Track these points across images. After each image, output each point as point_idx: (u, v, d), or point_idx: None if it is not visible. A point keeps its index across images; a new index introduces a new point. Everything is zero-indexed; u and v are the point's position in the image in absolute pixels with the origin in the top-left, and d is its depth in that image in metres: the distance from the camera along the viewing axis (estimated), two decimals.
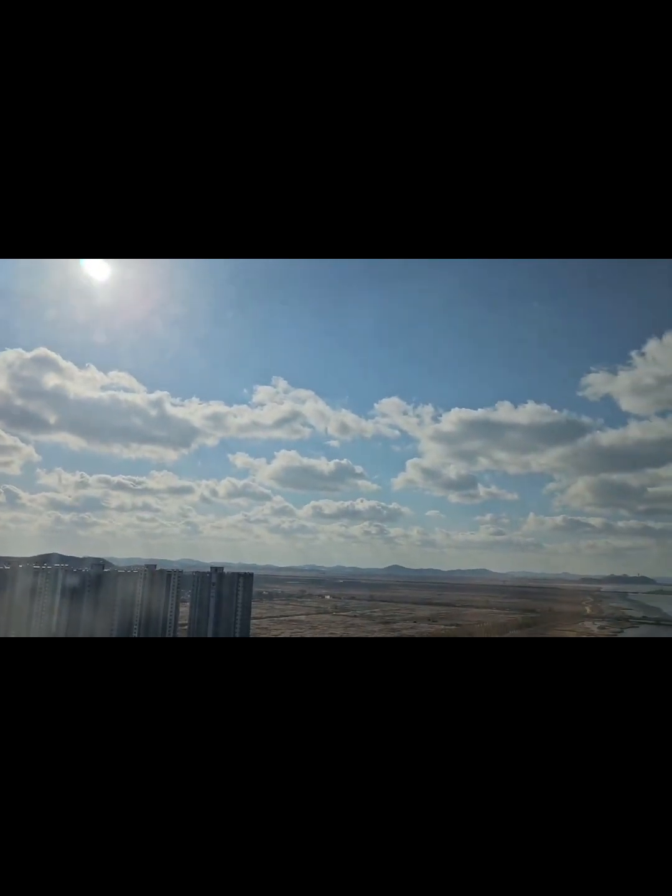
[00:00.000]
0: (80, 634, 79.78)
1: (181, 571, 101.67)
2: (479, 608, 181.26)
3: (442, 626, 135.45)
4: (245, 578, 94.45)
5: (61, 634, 78.17)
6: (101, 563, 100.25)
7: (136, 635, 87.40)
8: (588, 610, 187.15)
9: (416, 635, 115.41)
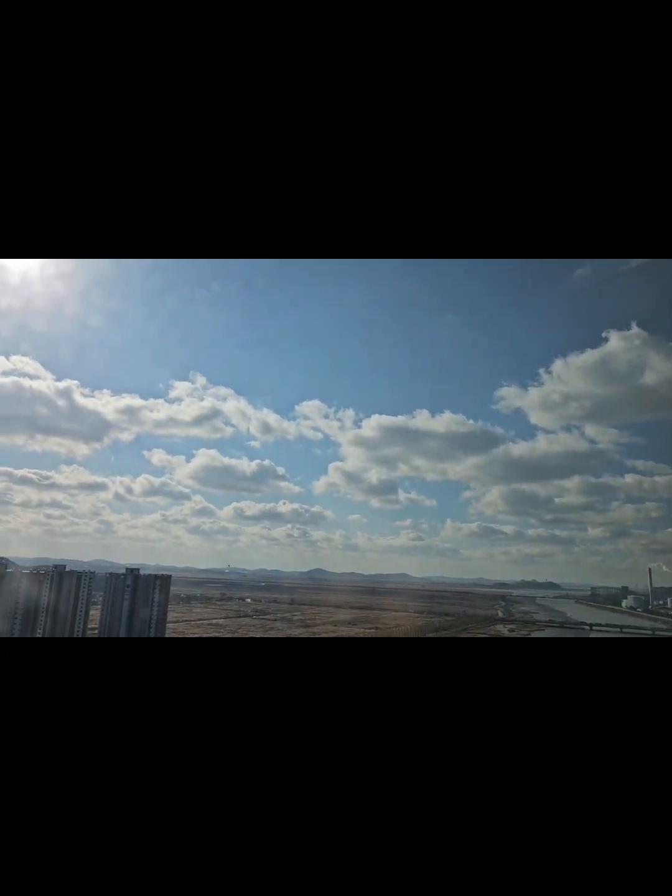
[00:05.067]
0: None
1: (93, 573, 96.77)
2: (397, 612, 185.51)
3: (362, 629, 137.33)
4: (162, 580, 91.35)
5: None
6: (3, 563, 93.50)
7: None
8: (500, 614, 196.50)
9: (336, 637, 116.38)
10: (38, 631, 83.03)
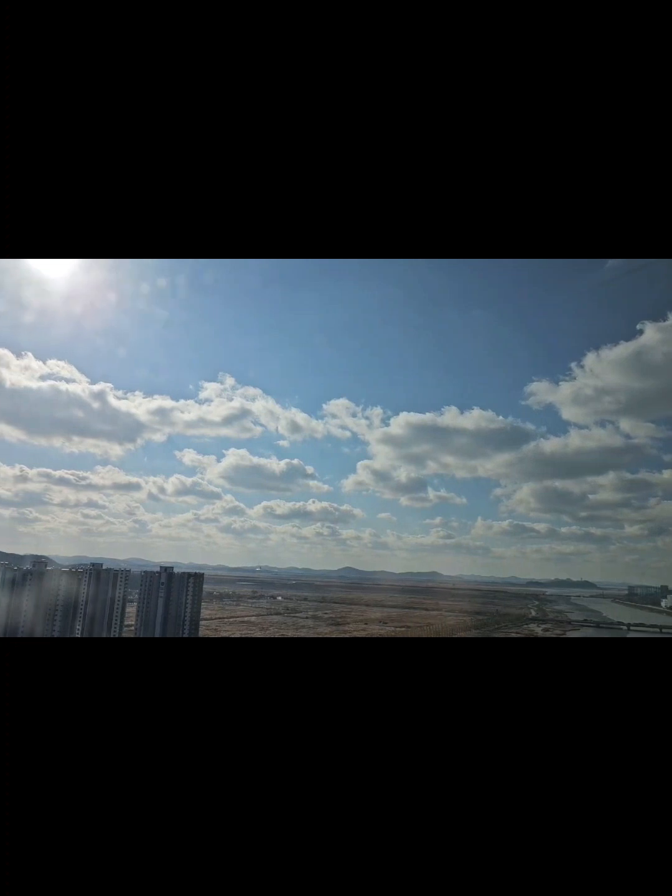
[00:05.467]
0: (19, 636, 76.40)
1: (128, 571, 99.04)
2: (428, 610, 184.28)
3: (393, 628, 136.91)
4: (195, 578, 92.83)
5: None
6: (43, 562, 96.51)
7: (79, 636, 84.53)
8: (533, 613, 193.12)
9: (366, 636, 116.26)
10: (77, 627, 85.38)
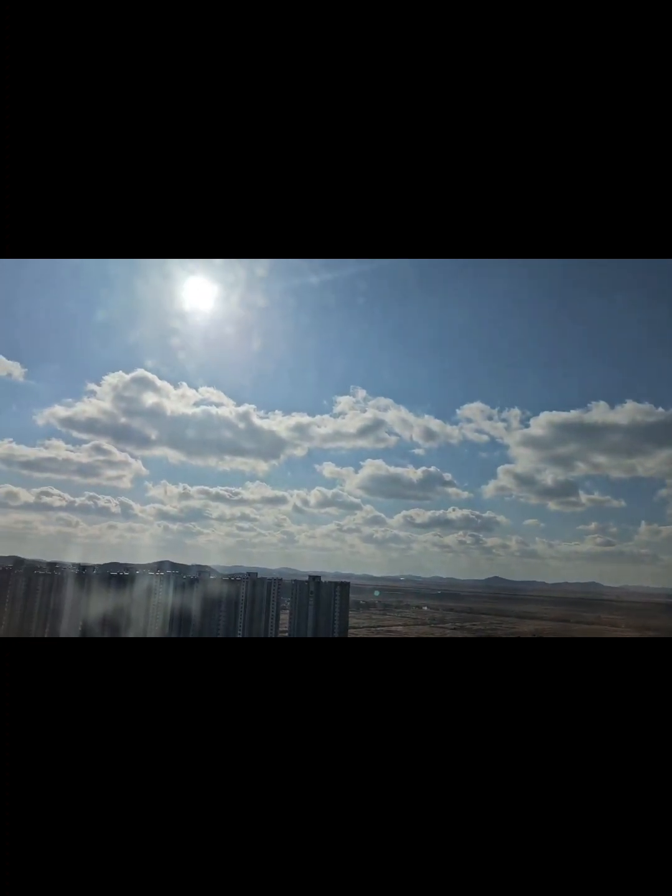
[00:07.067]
0: (192, 636, 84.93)
1: (280, 579, 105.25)
2: (590, 624, 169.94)
3: None
4: (342, 587, 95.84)
5: (174, 635, 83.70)
6: (207, 571, 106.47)
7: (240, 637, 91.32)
8: None
9: None
10: (238, 632, 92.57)
